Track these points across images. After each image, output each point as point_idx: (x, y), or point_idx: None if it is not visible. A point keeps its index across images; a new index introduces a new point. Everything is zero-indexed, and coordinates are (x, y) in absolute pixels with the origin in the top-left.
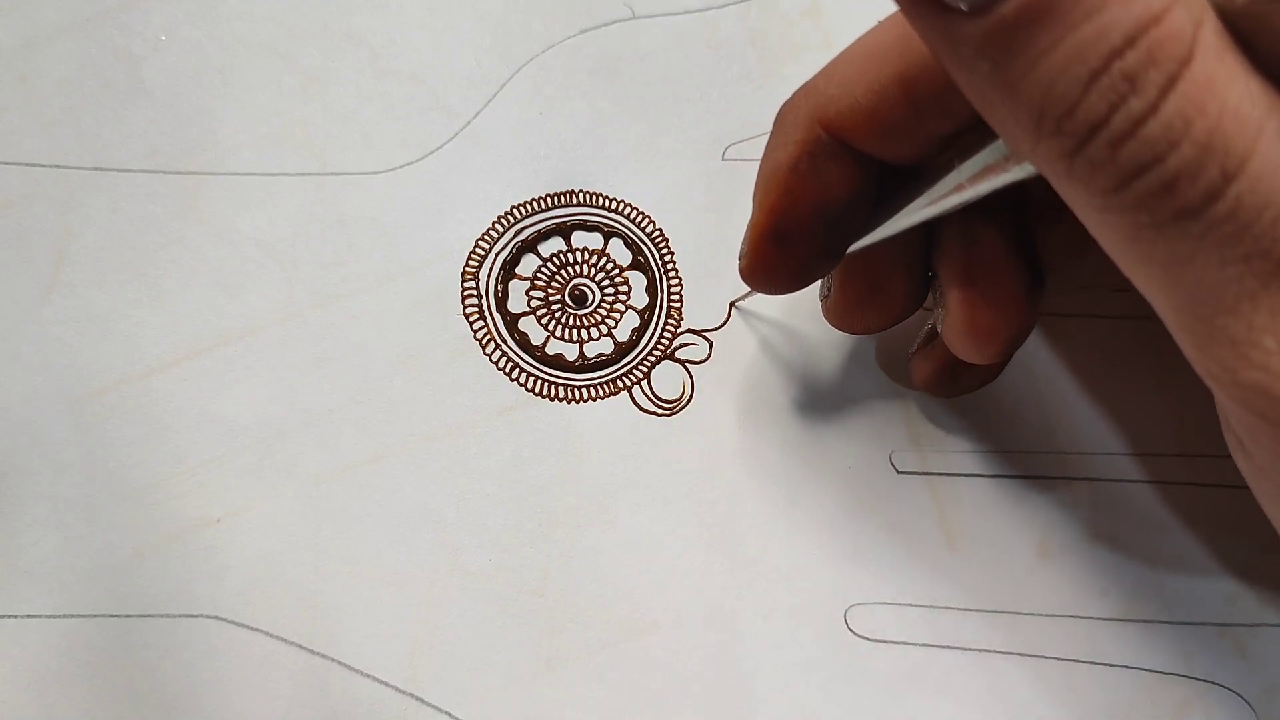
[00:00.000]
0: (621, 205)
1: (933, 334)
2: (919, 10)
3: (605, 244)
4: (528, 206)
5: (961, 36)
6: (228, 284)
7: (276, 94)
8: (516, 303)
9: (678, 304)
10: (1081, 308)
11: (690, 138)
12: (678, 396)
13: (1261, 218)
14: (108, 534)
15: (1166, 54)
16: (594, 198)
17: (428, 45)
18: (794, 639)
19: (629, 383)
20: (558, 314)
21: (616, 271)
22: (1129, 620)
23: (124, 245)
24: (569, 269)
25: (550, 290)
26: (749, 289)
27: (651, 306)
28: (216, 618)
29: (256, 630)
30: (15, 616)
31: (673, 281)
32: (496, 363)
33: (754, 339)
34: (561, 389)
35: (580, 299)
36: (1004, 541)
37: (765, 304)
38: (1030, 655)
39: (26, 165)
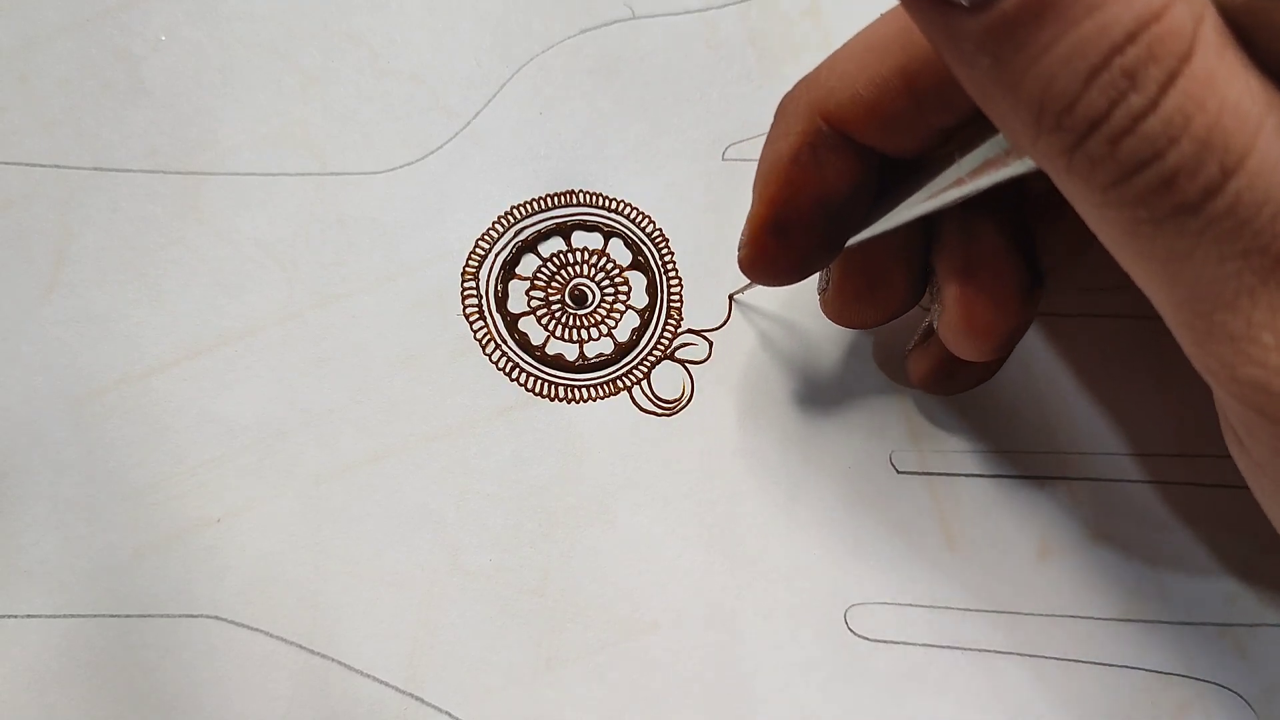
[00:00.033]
0: (621, 205)
1: (929, 331)
2: (920, 6)
3: (605, 244)
4: (528, 206)
5: (962, 32)
6: (228, 284)
7: (276, 94)
8: (516, 303)
9: (678, 304)
10: (1082, 307)
11: (690, 138)
12: (678, 396)
13: (1260, 214)
14: (108, 534)
15: (1167, 50)
16: (594, 198)
17: (428, 45)
18: (794, 639)
19: (629, 383)
20: (558, 314)
21: (616, 271)
22: (1129, 620)
23: (124, 245)
24: (569, 269)
25: (550, 290)
26: (748, 281)
27: (651, 306)
28: (216, 618)
29: (256, 630)
30: (15, 616)
31: (673, 281)
32: (496, 363)
33: (754, 339)
34: (561, 389)
35: (580, 299)
36: (1004, 541)
37: (764, 298)
38: (1030, 655)
39: (26, 165)
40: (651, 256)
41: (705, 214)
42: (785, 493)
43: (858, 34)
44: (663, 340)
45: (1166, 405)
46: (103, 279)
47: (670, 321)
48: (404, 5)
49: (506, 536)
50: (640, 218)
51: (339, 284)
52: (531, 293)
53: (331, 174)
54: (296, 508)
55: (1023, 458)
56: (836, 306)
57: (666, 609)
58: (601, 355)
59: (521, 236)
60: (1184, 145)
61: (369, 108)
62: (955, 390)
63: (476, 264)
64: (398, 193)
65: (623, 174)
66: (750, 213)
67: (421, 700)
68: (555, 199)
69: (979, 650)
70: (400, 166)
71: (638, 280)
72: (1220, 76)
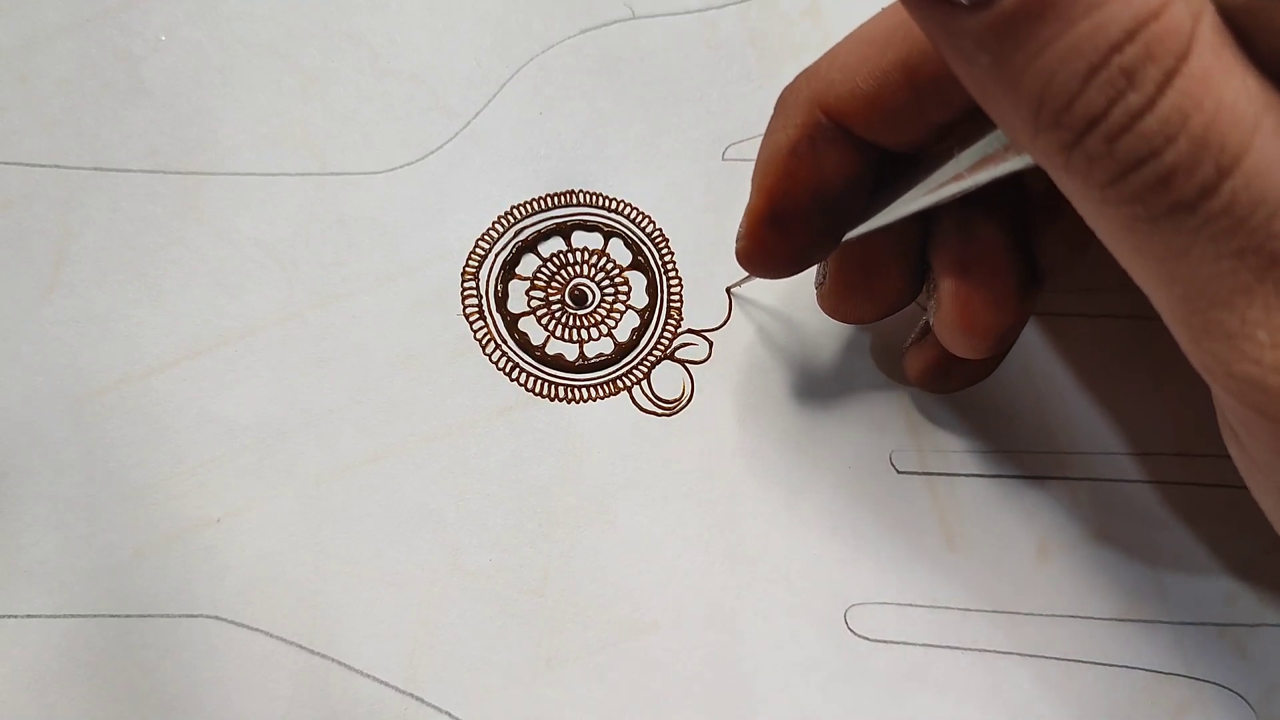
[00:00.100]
0: (621, 205)
1: (926, 329)
2: (920, 4)
3: (605, 244)
4: (528, 206)
5: (962, 30)
6: (228, 284)
7: (276, 94)
8: (516, 303)
9: (678, 304)
10: (1081, 307)
11: (690, 138)
12: (678, 396)
13: (1256, 213)
14: (108, 534)
15: (1164, 49)
16: (594, 198)
17: (428, 45)
18: (794, 639)
19: (629, 383)
20: (558, 314)
21: (616, 271)
22: (1129, 620)
23: (124, 245)
24: (569, 269)
25: (550, 290)
26: (746, 274)
27: (651, 306)
28: (216, 618)
29: (256, 630)
30: (15, 616)
31: (673, 281)
32: (496, 363)
33: (754, 339)
34: (561, 389)
35: (580, 299)
36: (1004, 541)
37: (763, 293)
38: (1030, 655)
39: (26, 165)
40: (651, 256)
41: (705, 214)
42: (785, 492)
43: (859, 28)
44: (663, 340)
45: (1166, 405)
46: (103, 279)
47: (670, 321)
48: (404, 5)
49: (506, 536)
50: (640, 218)
51: (339, 284)
52: (531, 293)
53: (331, 174)
54: (296, 508)
55: (1023, 457)
56: (833, 301)
57: (666, 609)
58: (601, 355)
59: (521, 236)
60: (1181, 144)
61: (369, 108)
62: (952, 388)
63: (476, 264)
64: (398, 193)
65: (623, 174)
66: (748, 204)
67: (421, 700)
68: (555, 199)
69: (979, 650)
70: (400, 166)
71: (638, 280)
72: (1217, 76)
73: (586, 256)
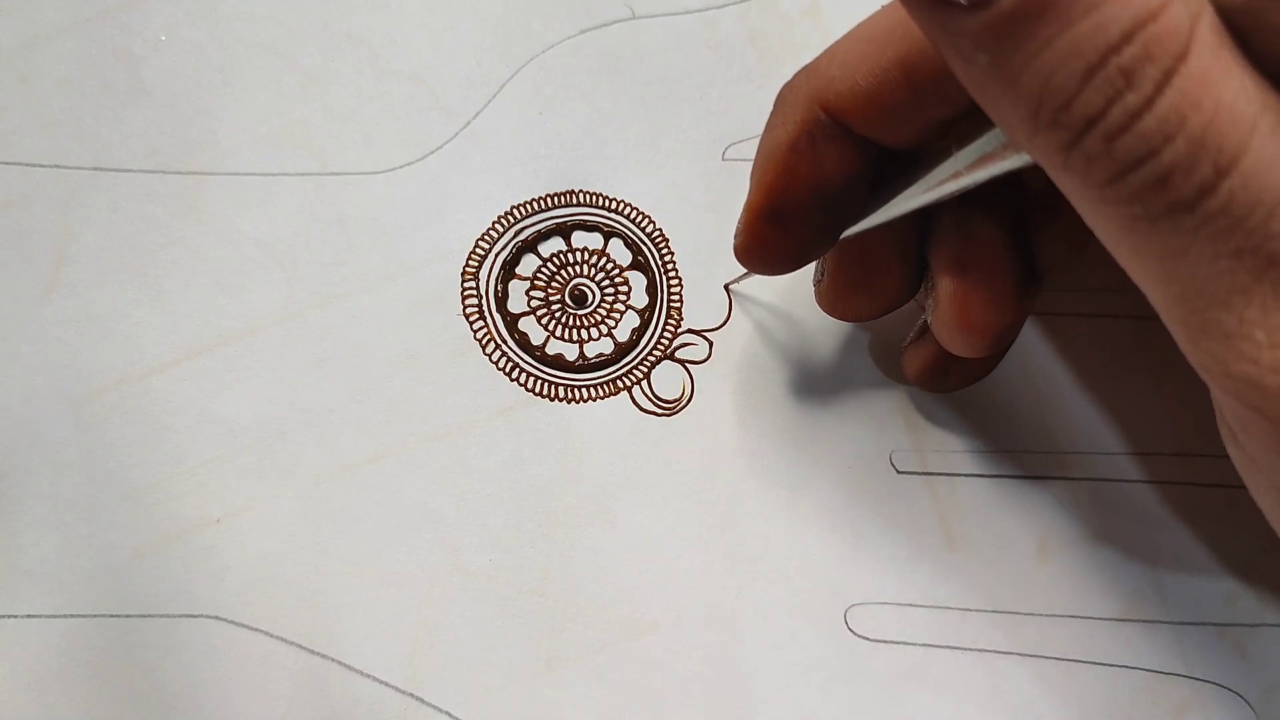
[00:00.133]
0: (621, 205)
1: (925, 327)
2: (919, 3)
3: (605, 244)
4: (528, 206)
5: (960, 29)
6: (228, 284)
7: (276, 94)
8: (516, 303)
9: (678, 304)
10: (1081, 307)
11: (690, 138)
12: (678, 396)
13: (1254, 213)
14: (108, 534)
15: (1163, 49)
16: (594, 198)
17: (428, 45)
18: (794, 639)
19: (629, 383)
20: (558, 314)
21: (616, 271)
22: (1129, 620)
23: (124, 245)
24: (569, 269)
25: (550, 290)
26: (744, 270)
27: (651, 306)
28: (216, 618)
29: (256, 630)
30: (15, 616)
31: (673, 281)
32: (496, 363)
33: (754, 339)
34: (561, 389)
35: (580, 299)
36: (1004, 541)
37: (761, 290)
38: (1030, 655)
39: (26, 165)
40: (651, 256)
41: (705, 214)
42: (785, 493)
43: (858, 25)
44: (663, 340)
45: (1166, 405)
46: (103, 279)
47: (670, 321)
48: (404, 5)
49: (506, 536)
50: (640, 218)
51: (339, 284)
52: (531, 293)
53: (331, 174)
54: (296, 508)
55: (1023, 457)
56: (831, 298)
57: (666, 609)
58: (601, 355)
59: (521, 236)
60: (1179, 144)
61: (369, 108)
62: (950, 387)
63: (476, 264)
64: (398, 193)
65: (623, 174)
66: (747, 200)
67: (421, 700)
68: (555, 199)
69: (979, 650)
70: (400, 166)
71: (638, 280)
72: (1216, 76)
73: (586, 256)
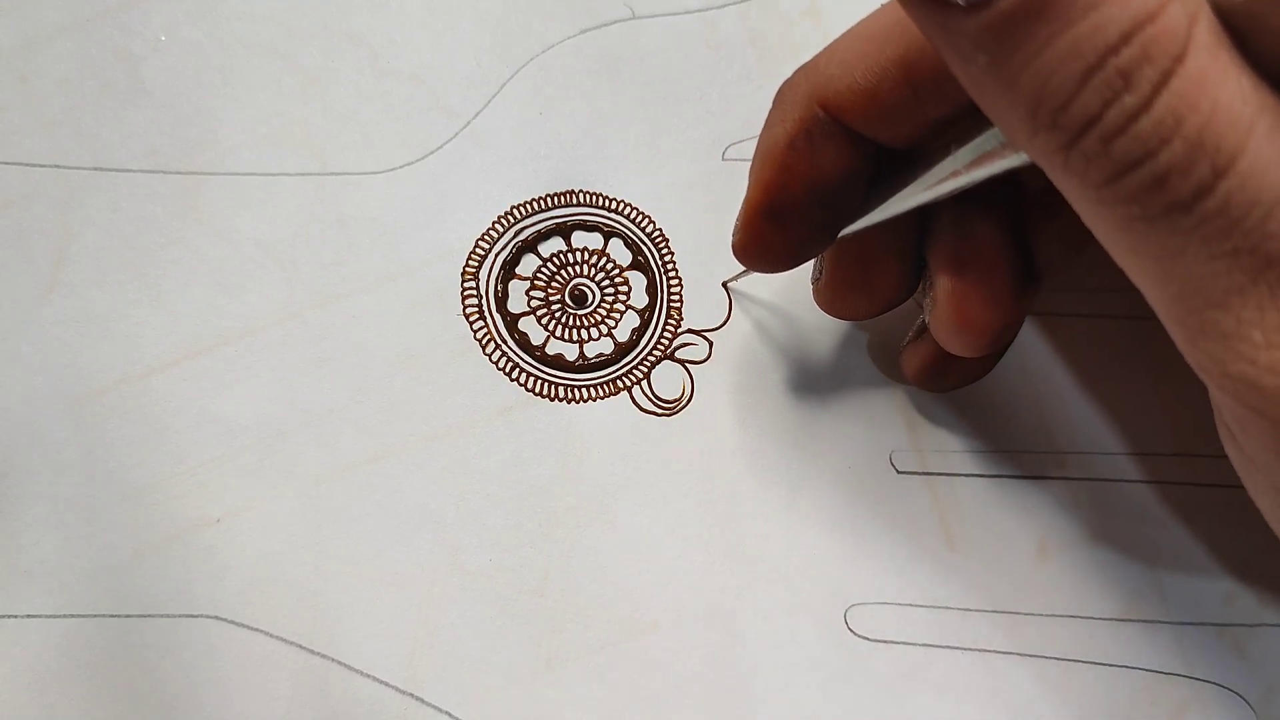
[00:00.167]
0: (621, 205)
1: (924, 327)
2: (917, 4)
3: (605, 244)
4: (528, 206)
5: (959, 30)
6: (228, 284)
7: (276, 94)
8: (516, 303)
9: (678, 304)
10: (1081, 308)
11: (690, 138)
12: (678, 396)
13: (1250, 214)
14: (108, 534)
15: (1161, 51)
16: (594, 198)
17: (428, 45)
18: (794, 639)
19: (629, 383)
20: (558, 314)
21: (616, 271)
22: (1128, 620)
23: (124, 245)
24: (569, 269)
25: (550, 290)
26: (742, 268)
27: (651, 306)
28: (216, 618)
29: (256, 630)
30: (15, 616)
31: (673, 281)
32: (496, 363)
33: (754, 339)
34: (561, 389)
35: (580, 299)
36: (1004, 541)
37: (760, 288)
38: (1030, 655)
39: (26, 165)
40: (651, 256)
41: (705, 214)
42: (785, 493)
43: (858, 23)
44: (663, 340)
45: (1166, 405)
46: (103, 279)
47: (670, 321)
48: (404, 5)
49: (506, 536)
50: (640, 218)
51: (339, 284)
52: (531, 293)
53: (331, 174)
54: (296, 508)
55: (1023, 457)
56: (828, 296)
57: (666, 609)
58: (601, 355)
59: (521, 236)
60: (1176, 145)
61: (369, 108)
62: (948, 387)
63: (476, 264)
64: (398, 193)
65: (623, 174)
66: (745, 197)
67: (421, 700)
68: (555, 199)
69: (979, 650)
70: (400, 166)
71: (638, 280)
72: (1213, 78)
73: (586, 256)
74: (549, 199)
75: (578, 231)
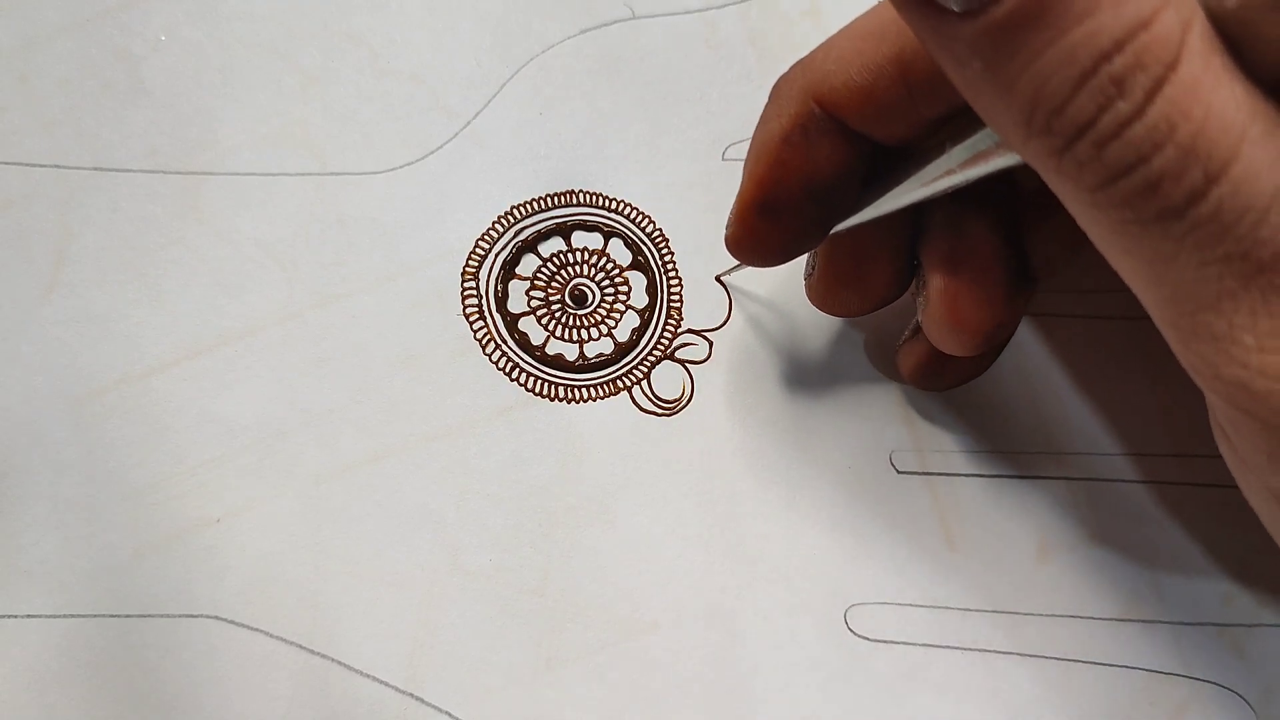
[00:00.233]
0: (621, 205)
1: (919, 326)
2: (912, 8)
3: (605, 244)
4: (528, 206)
5: (954, 35)
6: (228, 284)
7: (276, 94)
8: (516, 303)
9: (678, 304)
10: (1079, 309)
11: (690, 138)
12: (678, 396)
13: (1242, 220)
14: (108, 534)
15: (1154, 58)
16: (594, 198)
17: (428, 45)
18: (794, 639)
19: (629, 383)
20: (558, 314)
21: (616, 271)
22: (1128, 620)
23: (124, 245)
24: (569, 269)
25: (550, 290)
26: (736, 262)
27: (651, 306)
28: (216, 618)
29: (256, 630)
30: (15, 616)
31: (673, 281)
32: (496, 363)
33: (754, 339)
34: (561, 389)
35: (580, 299)
36: (1004, 541)
37: (755, 283)
38: (1030, 655)
39: (26, 165)
40: (651, 256)
41: (705, 214)
42: (785, 492)
43: (855, 20)
44: (663, 340)
45: (1164, 406)
46: (103, 279)
47: (670, 321)
48: (404, 5)
49: (506, 536)
50: (640, 218)
51: (339, 284)
52: (531, 293)
53: (331, 174)
54: (296, 508)
55: (1022, 458)
56: (820, 292)
57: (666, 609)
58: (601, 355)
59: (521, 236)
60: (1169, 151)
61: (369, 108)
62: (944, 386)
63: (476, 264)
64: (398, 193)
65: (623, 174)
66: (739, 191)
67: (421, 700)
68: (555, 199)
69: (979, 650)
70: (400, 166)
71: (638, 280)
72: (1206, 85)
73: (586, 256)
74: (549, 199)
75: (578, 231)
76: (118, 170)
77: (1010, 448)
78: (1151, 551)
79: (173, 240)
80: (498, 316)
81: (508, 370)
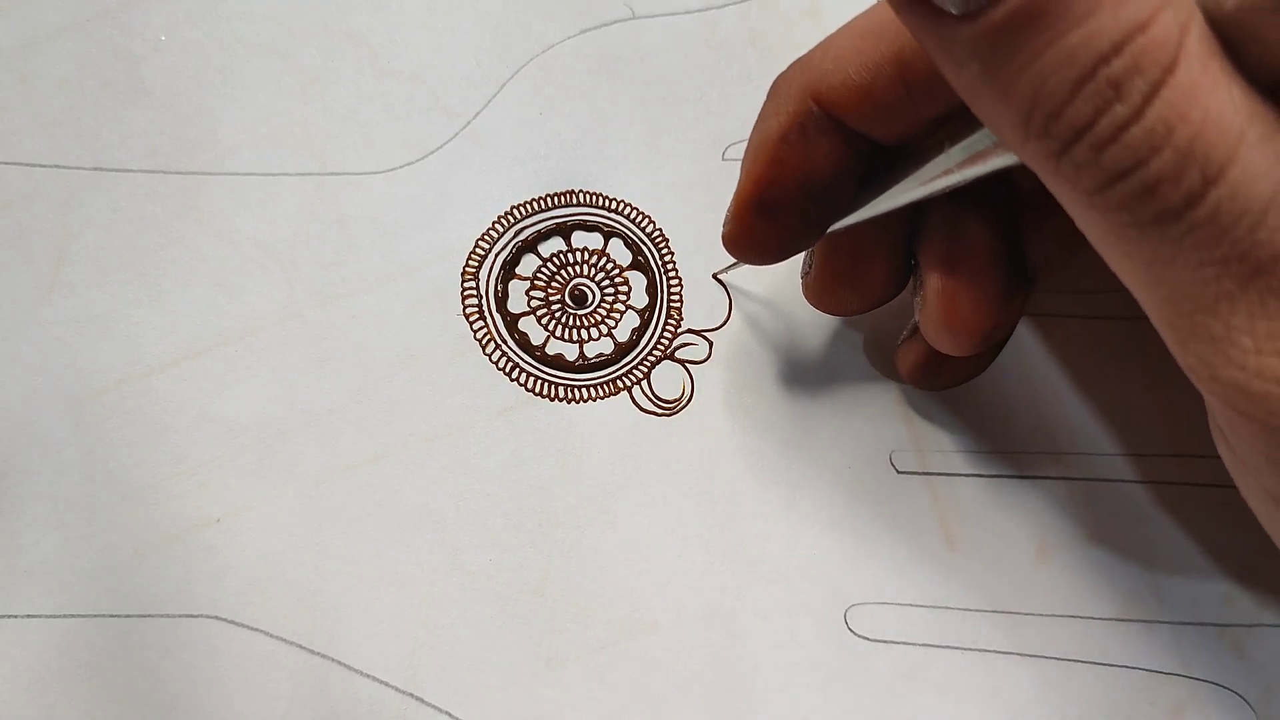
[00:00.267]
0: (621, 205)
1: (917, 326)
2: (910, 10)
3: (605, 244)
4: (528, 206)
5: (952, 37)
6: (228, 284)
7: (276, 94)
8: (516, 303)
9: (678, 304)
10: (1078, 309)
11: (690, 138)
12: (678, 396)
13: (1240, 223)
14: (108, 534)
15: (1151, 61)
16: (594, 198)
17: (428, 45)
18: (794, 639)
19: (629, 383)
20: (558, 314)
21: (616, 271)
22: (1127, 620)
23: (124, 245)
24: (569, 269)
25: (550, 290)
26: (733, 260)
27: (651, 306)
28: (216, 618)
29: (256, 630)
30: (15, 616)
31: (673, 281)
32: (496, 363)
33: (754, 339)
34: (561, 389)
35: (580, 299)
36: (1004, 541)
37: (752, 281)
38: (1030, 655)
39: (26, 165)
40: (651, 256)
41: (705, 214)
42: (785, 492)
43: (854, 19)
44: (663, 340)
45: (1163, 406)
46: (103, 279)
47: (670, 321)
48: (404, 5)
49: (506, 536)
50: (640, 218)
51: (339, 284)
52: (531, 293)
53: (331, 174)
54: (296, 508)
55: (1022, 458)
56: (817, 291)
57: (666, 609)
58: (601, 355)
59: (521, 236)
60: (1166, 154)
61: (369, 108)
62: (942, 385)
63: (476, 264)
64: (398, 193)
65: (623, 174)
66: (737, 189)
67: (421, 700)
68: (555, 199)
69: (979, 650)
70: (400, 166)
71: (638, 280)
72: (1204, 88)
73: (586, 256)
74: (549, 199)
75: (578, 231)
76: (118, 170)
77: (1010, 448)
78: (1151, 551)
79: (173, 240)
80: (498, 316)
81: (508, 370)
